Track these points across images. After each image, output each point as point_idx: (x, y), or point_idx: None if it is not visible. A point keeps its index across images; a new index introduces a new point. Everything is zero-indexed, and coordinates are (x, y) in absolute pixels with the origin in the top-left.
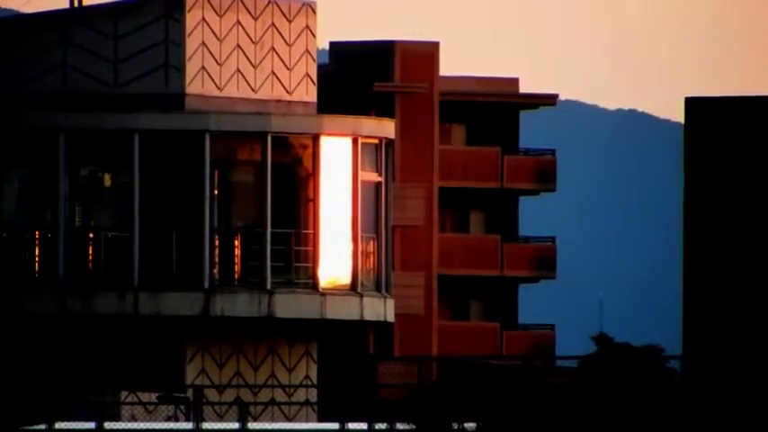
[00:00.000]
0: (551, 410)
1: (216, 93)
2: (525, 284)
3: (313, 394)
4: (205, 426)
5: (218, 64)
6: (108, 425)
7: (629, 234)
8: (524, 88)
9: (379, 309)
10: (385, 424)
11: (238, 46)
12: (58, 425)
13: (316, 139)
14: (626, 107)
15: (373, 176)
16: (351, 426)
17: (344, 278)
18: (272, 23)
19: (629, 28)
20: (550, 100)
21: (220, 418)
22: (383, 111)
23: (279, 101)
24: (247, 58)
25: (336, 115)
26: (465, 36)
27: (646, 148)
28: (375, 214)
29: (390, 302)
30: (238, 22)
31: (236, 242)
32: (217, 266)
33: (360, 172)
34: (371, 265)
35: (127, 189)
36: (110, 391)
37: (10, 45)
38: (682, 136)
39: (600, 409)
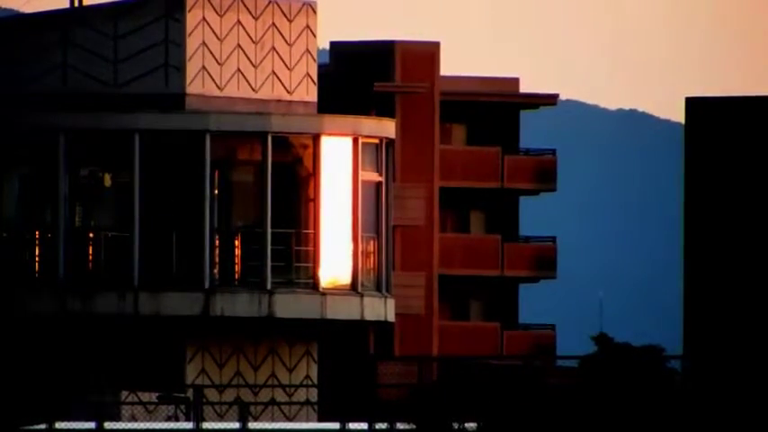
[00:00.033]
0: (551, 410)
1: (216, 93)
2: (525, 284)
3: (313, 394)
4: (205, 426)
5: (219, 64)
6: (108, 425)
7: (630, 234)
8: (525, 88)
9: (380, 309)
10: (385, 424)
11: (239, 46)
12: (58, 425)
13: (316, 138)
14: (626, 107)
15: (374, 176)
16: (351, 426)
17: (345, 278)
18: (273, 23)
19: (629, 28)
20: (551, 100)
21: (221, 417)
22: (383, 111)
23: (279, 101)
24: (248, 58)
25: (337, 115)
26: (465, 36)
27: (646, 149)
28: (375, 214)
29: (391, 302)
30: (239, 22)
31: (237, 242)
32: (217, 266)
33: (360, 172)
34: (372, 265)
35: (127, 189)
36: (110, 391)
37: (10, 45)
38: (682, 136)
39: (600, 410)
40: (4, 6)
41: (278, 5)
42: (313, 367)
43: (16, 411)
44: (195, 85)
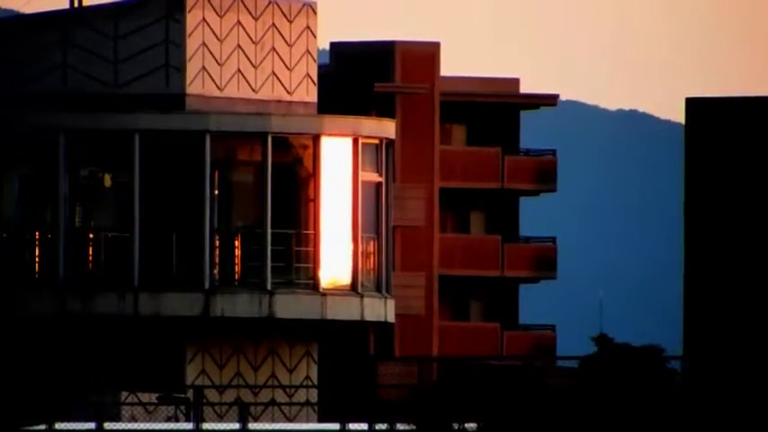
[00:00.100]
0: (551, 411)
1: (216, 93)
2: (526, 285)
3: (313, 395)
4: (205, 426)
5: (219, 64)
6: (108, 425)
7: (630, 234)
8: (525, 88)
9: (380, 309)
10: (385, 424)
11: (239, 46)
12: (58, 425)
13: (316, 139)
14: (627, 107)
15: (374, 177)
16: (351, 426)
17: (345, 278)
18: (273, 24)
19: (629, 28)
20: (551, 100)
21: (221, 418)
22: (383, 111)
23: (279, 101)
24: (248, 59)
25: (337, 115)
26: (465, 36)
27: (646, 149)
28: (375, 214)
29: (391, 303)
30: (239, 23)
31: (237, 242)
32: (217, 267)
33: (360, 172)
34: (372, 266)
35: (127, 189)
36: (110, 391)
37: (10, 45)
38: (682, 136)
39: (600, 410)
40: (4, 6)
41: (278, 6)
42: (313, 368)
43: (16, 411)
44: (195, 85)
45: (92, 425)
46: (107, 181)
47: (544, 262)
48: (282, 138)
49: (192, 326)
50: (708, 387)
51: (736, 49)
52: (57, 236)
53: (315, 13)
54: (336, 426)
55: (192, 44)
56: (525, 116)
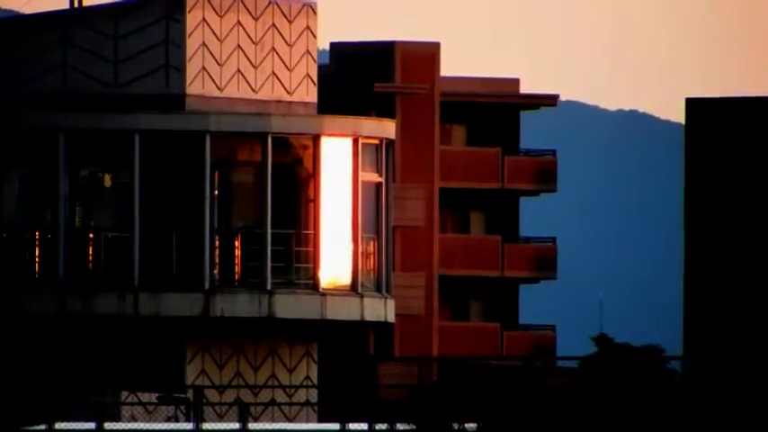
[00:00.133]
0: (551, 411)
1: (216, 93)
2: (526, 285)
3: (313, 395)
4: (205, 426)
5: (219, 64)
6: (108, 425)
7: (630, 234)
8: (525, 89)
9: (380, 309)
10: (385, 424)
11: (239, 46)
12: (58, 425)
13: (316, 139)
14: (627, 108)
15: (374, 177)
16: (351, 426)
17: (345, 279)
18: (273, 24)
19: (629, 28)
20: (551, 100)
21: (220, 418)
22: (383, 111)
23: (279, 101)
24: (248, 59)
25: (337, 116)
26: (465, 36)
27: (646, 149)
28: (375, 215)
29: (391, 303)
30: (239, 23)
31: (237, 243)
32: (217, 267)
33: (360, 172)
34: (372, 266)
35: (127, 189)
36: (110, 391)
37: (10, 45)
38: (682, 136)
39: (600, 410)
40: (4, 6)
41: (278, 6)
42: (313, 368)
43: (16, 411)
44: (195, 85)
45: (92, 425)
46: (107, 181)
47: (544, 262)
48: (282, 138)
49: (192, 326)
50: (708, 387)
51: (736, 49)
52: (57, 236)
53: (315, 13)
54: (336, 426)
55: (191, 44)
56: (525, 116)
